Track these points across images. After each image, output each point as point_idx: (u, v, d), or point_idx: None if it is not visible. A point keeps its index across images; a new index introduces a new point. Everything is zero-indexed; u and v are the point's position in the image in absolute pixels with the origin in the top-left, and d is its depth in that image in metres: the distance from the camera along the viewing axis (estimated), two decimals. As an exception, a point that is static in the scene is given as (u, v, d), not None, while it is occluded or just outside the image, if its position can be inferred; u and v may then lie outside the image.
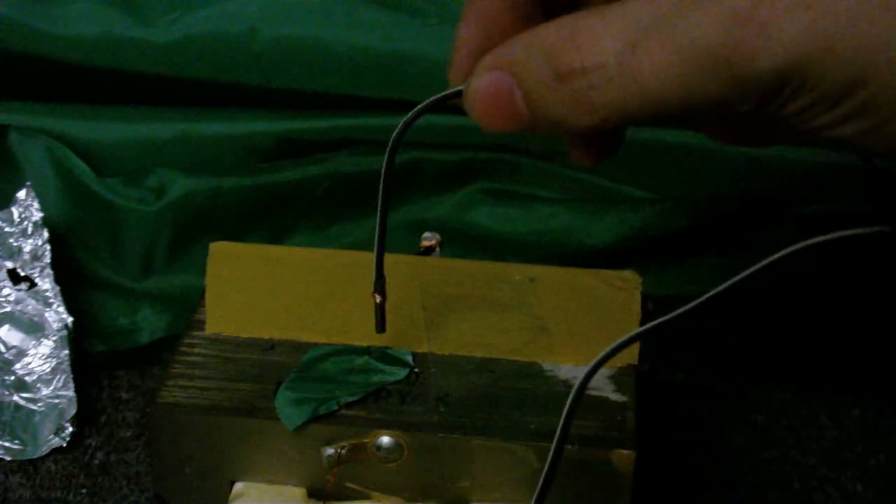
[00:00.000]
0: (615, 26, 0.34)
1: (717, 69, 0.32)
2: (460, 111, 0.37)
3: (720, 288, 0.39)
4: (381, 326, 0.49)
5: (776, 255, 0.38)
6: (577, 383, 0.39)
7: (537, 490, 0.40)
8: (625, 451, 0.46)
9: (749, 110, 0.34)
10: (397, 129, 0.41)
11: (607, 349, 0.39)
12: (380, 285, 0.47)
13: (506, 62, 0.36)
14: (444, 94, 0.39)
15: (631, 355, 0.50)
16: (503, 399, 0.48)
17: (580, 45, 0.34)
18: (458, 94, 0.38)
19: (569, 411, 0.39)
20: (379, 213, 0.44)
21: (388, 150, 0.42)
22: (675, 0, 0.33)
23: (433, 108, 0.40)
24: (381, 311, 0.48)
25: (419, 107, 0.40)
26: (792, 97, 0.33)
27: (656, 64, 0.33)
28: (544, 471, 0.40)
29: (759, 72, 0.32)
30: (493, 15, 0.39)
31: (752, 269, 0.38)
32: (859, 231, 0.38)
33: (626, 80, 0.33)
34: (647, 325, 0.39)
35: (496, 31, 0.39)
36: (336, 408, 0.47)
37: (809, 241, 0.38)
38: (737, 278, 0.39)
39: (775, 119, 0.34)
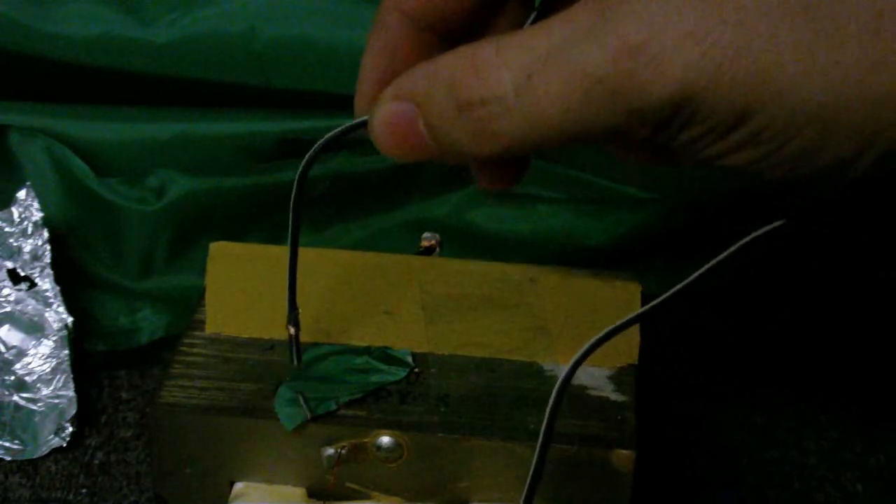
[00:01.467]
0: (512, 57, 0.34)
1: (611, 99, 0.33)
2: (368, 141, 0.38)
3: (692, 277, 0.39)
4: (297, 359, 0.49)
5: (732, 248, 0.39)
6: (560, 378, 0.39)
7: (527, 484, 0.41)
8: (625, 451, 0.46)
9: (645, 137, 0.34)
10: (303, 161, 0.42)
11: (586, 345, 0.39)
12: (293, 317, 0.48)
13: (407, 92, 0.36)
14: (349, 124, 0.40)
15: (631, 355, 0.50)
16: (503, 399, 0.48)
17: (480, 75, 0.35)
18: (364, 124, 0.38)
19: (554, 403, 0.39)
20: (290, 242, 0.45)
21: (295, 181, 0.43)
22: (568, 31, 0.33)
23: (338, 139, 0.40)
24: (295, 343, 0.49)
25: (324, 138, 0.41)
26: (684, 127, 0.33)
27: (552, 94, 0.33)
28: (533, 462, 0.40)
29: (650, 102, 0.33)
30: (396, 44, 0.40)
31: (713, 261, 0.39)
32: (759, 232, 0.39)
33: (525, 110, 0.34)
34: (626, 319, 0.40)
35: (400, 60, 0.39)
36: (334, 407, 0.47)
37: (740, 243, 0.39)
38: (703, 269, 0.39)
39: (671, 146, 0.35)
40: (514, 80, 0.34)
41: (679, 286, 0.40)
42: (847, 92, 0.32)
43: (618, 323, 0.40)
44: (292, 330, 0.48)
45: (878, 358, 0.64)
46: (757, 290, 0.67)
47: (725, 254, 0.39)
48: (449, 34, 0.40)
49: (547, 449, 0.40)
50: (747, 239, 0.39)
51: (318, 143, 0.41)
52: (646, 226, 0.65)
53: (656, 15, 0.32)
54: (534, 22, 0.40)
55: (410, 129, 0.36)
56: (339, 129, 0.40)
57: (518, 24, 0.41)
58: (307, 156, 0.42)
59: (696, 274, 0.40)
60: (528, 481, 0.41)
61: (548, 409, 0.39)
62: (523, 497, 0.41)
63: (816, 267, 0.67)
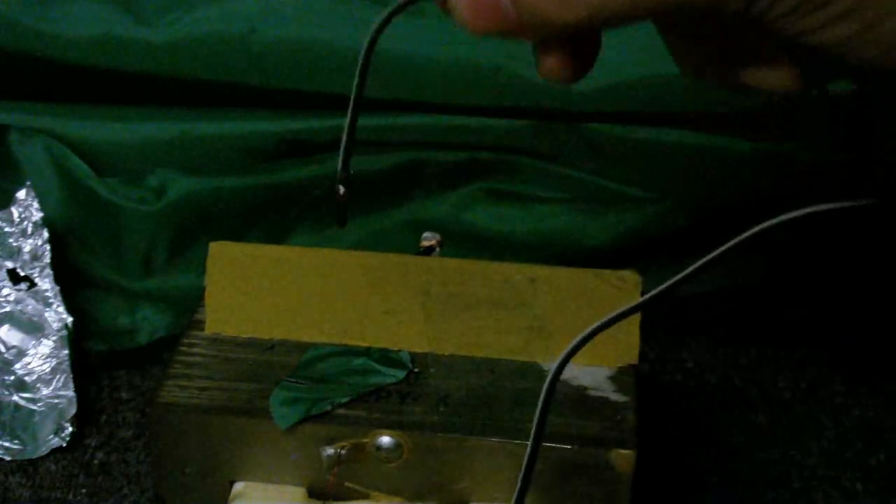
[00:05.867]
0: None
1: None
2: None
3: (689, 270, 0.38)
4: (342, 221, 0.46)
5: (753, 230, 0.38)
6: (550, 372, 0.39)
7: (519, 479, 0.41)
8: (625, 451, 0.46)
9: (738, 9, 0.33)
10: (374, 26, 0.39)
11: (576, 339, 0.38)
12: (344, 177, 0.46)
13: None
14: None
15: (631, 355, 0.50)
16: (503, 399, 0.48)
17: None
18: None
19: (545, 397, 0.39)
20: (351, 105, 0.43)
21: (364, 48, 0.40)
22: None
23: (410, 5, 0.38)
24: (342, 206, 0.46)
25: (396, 5, 0.38)
26: None
27: None
28: (525, 459, 0.40)
29: None
30: None
31: (725, 246, 0.38)
32: (848, 204, 0.38)
33: None
34: (622, 309, 0.39)
35: None
36: (329, 408, 0.47)
37: (793, 214, 0.38)
38: (709, 256, 0.38)
39: (762, 26, 0.33)
40: None
41: (676, 278, 0.39)
42: None
43: (613, 314, 0.39)
44: (342, 190, 0.46)
45: (878, 358, 0.64)
46: (757, 290, 0.67)
47: (722, 249, 0.39)
48: None
49: (540, 440, 0.40)
50: (747, 234, 0.39)
51: (388, 10, 0.38)
52: (646, 226, 0.65)
53: None
54: None
55: None
56: None
57: None
58: (375, 24, 0.39)
59: (692, 267, 0.39)
60: (520, 475, 0.41)
61: (542, 393, 0.39)
62: (515, 494, 0.41)
63: (816, 267, 0.67)
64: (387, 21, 0.39)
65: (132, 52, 0.64)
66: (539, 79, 0.38)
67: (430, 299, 0.51)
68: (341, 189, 0.46)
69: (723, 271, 0.66)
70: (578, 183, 0.66)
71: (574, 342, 0.39)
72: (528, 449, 0.40)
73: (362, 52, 0.40)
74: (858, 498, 0.56)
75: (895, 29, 0.32)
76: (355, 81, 0.42)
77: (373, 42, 0.40)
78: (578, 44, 0.38)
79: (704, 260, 0.39)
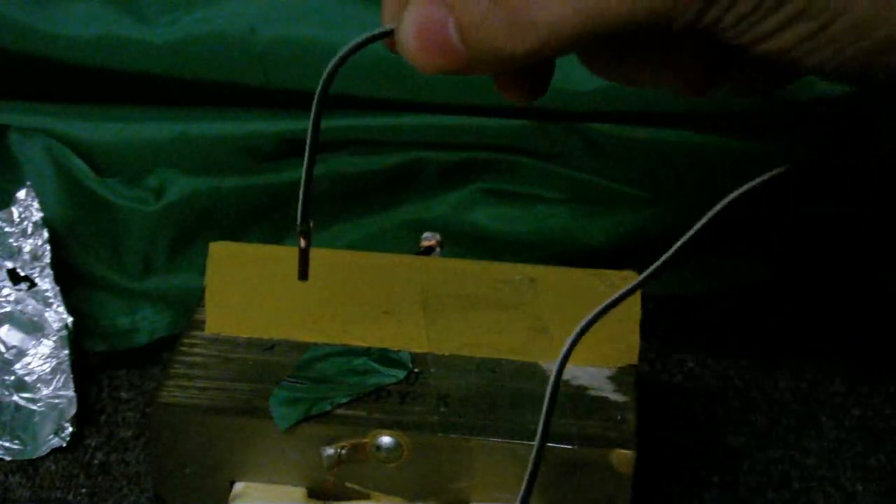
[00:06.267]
0: None
1: None
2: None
3: (671, 251, 0.39)
4: (303, 273, 0.46)
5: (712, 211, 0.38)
6: (555, 368, 0.39)
7: (525, 481, 0.41)
8: (625, 451, 0.46)
9: (690, 20, 0.33)
10: (325, 73, 0.39)
11: (577, 328, 0.39)
12: (305, 229, 0.45)
13: None
14: (374, 32, 0.37)
15: (631, 355, 0.50)
16: (503, 399, 0.48)
17: None
18: (390, 33, 0.36)
19: (551, 395, 0.39)
20: (307, 153, 0.42)
21: (318, 89, 0.40)
22: None
23: (361, 48, 0.38)
24: (304, 257, 0.46)
25: (347, 47, 0.38)
26: (733, 2, 0.32)
27: None
28: (531, 458, 0.40)
29: None
30: None
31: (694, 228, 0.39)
32: (764, 177, 0.38)
33: None
34: (615, 295, 0.39)
35: None
36: (329, 408, 0.47)
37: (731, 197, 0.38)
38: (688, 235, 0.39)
39: (713, 36, 0.33)
40: None
41: (669, 253, 0.39)
42: None
43: (607, 301, 0.39)
44: (303, 243, 0.45)
45: (879, 358, 0.64)
46: (757, 290, 0.67)
47: (713, 212, 0.39)
48: None
49: (545, 440, 0.40)
50: (720, 205, 0.39)
51: (340, 52, 0.38)
52: (646, 226, 0.65)
53: None
54: None
55: (441, 34, 0.34)
56: (364, 37, 0.37)
57: None
58: (331, 64, 0.39)
59: (684, 238, 0.39)
60: (525, 476, 0.41)
61: (548, 390, 0.39)
62: (520, 496, 0.41)
63: (816, 267, 0.67)
64: (339, 65, 0.39)
65: (132, 52, 0.64)
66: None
67: (430, 299, 0.51)
68: (302, 242, 0.45)
69: (724, 271, 0.66)
70: (578, 183, 0.66)
71: (572, 336, 0.39)
72: (534, 450, 0.40)
73: (316, 98, 0.40)
74: (858, 498, 0.56)
75: (847, 28, 0.32)
76: (309, 128, 0.41)
77: (325, 88, 0.40)
78: (532, 70, 0.38)
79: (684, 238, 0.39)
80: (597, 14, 0.33)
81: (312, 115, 0.41)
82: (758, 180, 0.38)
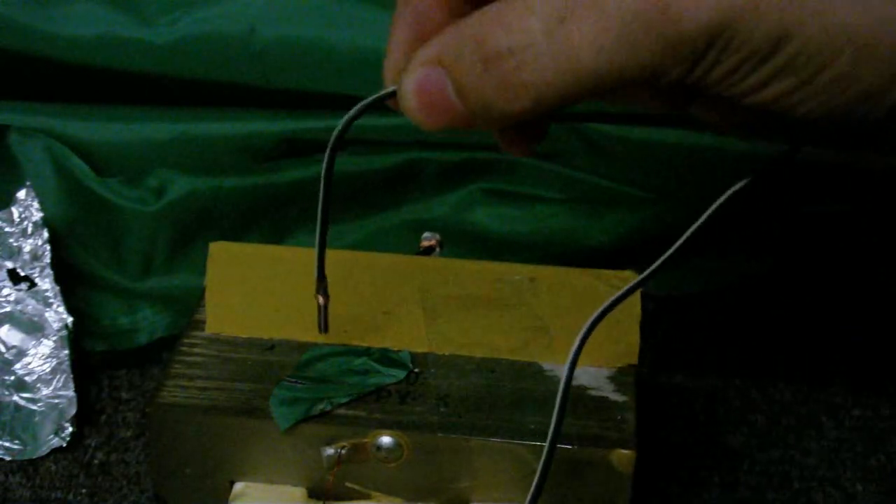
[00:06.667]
0: (541, 4, 0.34)
1: (646, 34, 0.32)
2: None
3: (671, 251, 0.39)
4: (324, 327, 0.49)
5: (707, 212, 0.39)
6: (565, 372, 0.39)
7: (534, 483, 0.41)
8: (625, 451, 0.46)
9: (679, 76, 0.34)
10: (334, 135, 0.41)
11: (583, 329, 0.39)
12: (322, 287, 0.48)
13: (435, 56, 0.36)
14: (378, 95, 0.39)
15: (631, 355, 0.50)
16: (503, 399, 0.48)
17: (507, 27, 0.34)
18: (393, 94, 0.38)
19: (562, 398, 0.39)
20: (319, 218, 0.44)
21: (327, 152, 0.42)
22: None
23: (368, 110, 0.39)
24: (324, 312, 0.49)
25: (354, 109, 0.40)
26: (719, 58, 0.33)
27: (586, 35, 0.33)
28: (540, 463, 0.40)
29: (687, 32, 0.32)
30: (425, 12, 0.39)
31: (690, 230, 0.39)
32: (729, 192, 0.39)
33: (557, 55, 0.33)
34: (617, 294, 0.40)
35: (427, 28, 0.38)
36: (329, 408, 0.47)
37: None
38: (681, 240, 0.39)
39: (702, 89, 0.34)
40: (545, 26, 0.33)
41: (665, 255, 0.40)
42: (885, 13, 0.31)
43: (610, 300, 0.40)
44: (321, 300, 0.48)
45: (879, 358, 0.64)
46: (756, 291, 0.67)
47: (700, 221, 0.39)
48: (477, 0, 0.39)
49: (556, 442, 0.40)
50: (721, 200, 0.39)
51: (349, 114, 0.40)
52: (646, 226, 0.65)
53: None
54: None
55: (440, 94, 0.36)
56: (369, 99, 0.39)
57: None
58: (338, 127, 0.40)
59: (680, 241, 0.40)
60: (535, 479, 0.41)
61: (560, 391, 0.39)
62: (529, 496, 0.41)
63: (816, 267, 0.67)
64: (345, 128, 0.40)
65: (132, 52, 0.64)
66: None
67: (430, 299, 0.51)
68: (321, 299, 0.48)
69: (724, 271, 0.66)
70: (578, 183, 0.66)
71: (579, 337, 0.39)
72: (545, 451, 0.41)
73: (325, 159, 0.42)
74: (858, 498, 0.56)
75: (834, 78, 0.33)
76: (321, 188, 0.43)
77: (334, 149, 0.41)
78: (529, 123, 0.39)
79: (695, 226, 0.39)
80: (588, 74, 0.33)
81: (323, 176, 0.42)
82: (736, 187, 0.39)
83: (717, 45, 0.33)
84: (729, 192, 0.39)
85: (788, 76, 0.33)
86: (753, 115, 0.36)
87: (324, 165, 0.42)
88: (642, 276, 0.41)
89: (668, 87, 0.35)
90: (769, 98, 0.34)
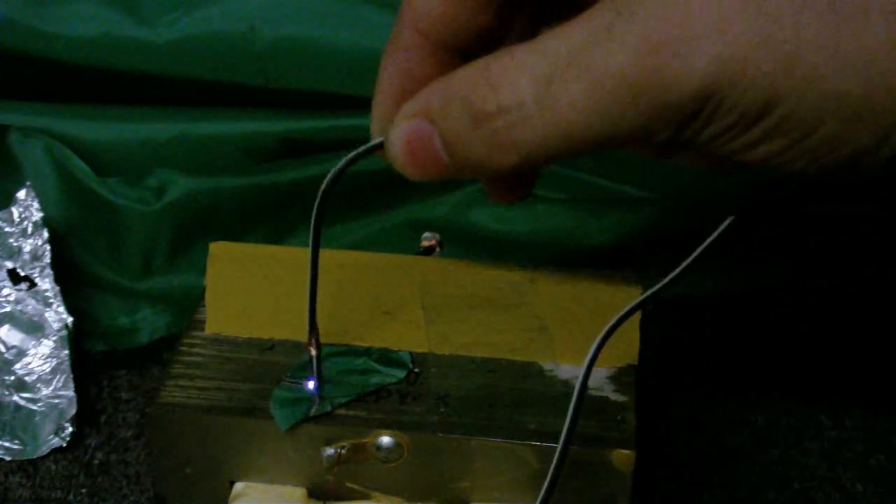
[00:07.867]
0: (530, 63, 0.34)
1: (635, 99, 0.32)
2: (387, 163, 0.38)
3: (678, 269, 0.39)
4: (319, 377, 0.48)
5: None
6: (578, 380, 0.39)
7: (544, 487, 0.41)
8: (625, 451, 0.46)
9: (668, 137, 0.34)
10: (323, 186, 0.41)
11: (598, 340, 0.39)
12: (314, 336, 0.47)
13: (422, 109, 0.36)
14: (366, 146, 0.39)
15: (631, 355, 0.50)
16: (503, 399, 0.48)
17: (495, 86, 0.34)
18: (381, 145, 0.38)
19: (575, 406, 0.39)
20: (311, 262, 0.44)
21: (316, 203, 0.42)
22: (587, 31, 0.33)
23: (356, 161, 0.40)
24: (317, 363, 0.48)
25: (343, 161, 0.40)
26: (708, 121, 0.33)
27: (574, 98, 0.33)
28: (551, 469, 0.40)
29: (676, 97, 0.32)
30: (411, 64, 0.39)
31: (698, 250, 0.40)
32: (715, 234, 0.39)
33: (545, 116, 0.33)
34: (628, 308, 0.40)
35: (416, 79, 0.39)
36: (329, 409, 0.47)
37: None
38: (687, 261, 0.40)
39: (693, 144, 0.34)
40: (534, 86, 0.33)
41: (674, 273, 0.40)
42: (872, 78, 0.31)
43: (622, 312, 0.40)
44: (313, 351, 0.48)
45: (879, 358, 0.64)
46: (756, 291, 0.67)
47: (692, 256, 0.40)
48: (466, 51, 0.39)
49: (569, 444, 0.40)
50: (708, 241, 0.40)
51: (337, 166, 0.40)
52: (646, 226, 0.65)
53: (676, 9, 0.32)
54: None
55: (427, 147, 0.36)
56: (357, 151, 0.39)
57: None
58: (326, 179, 0.41)
59: (684, 263, 0.40)
60: (546, 483, 0.41)
61: (569, 412, 0.39)
62: (540, 497, 0.41)
63: (817, 266, 0.67)
64: (334, 181, 0.41)
65: (132, 52, 0.64)
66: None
67: (430, 299, 0.51)
68: (312, 350, 0.48)
69: (724, 271, 0.66)
70: (578, 183, 0.66)
71: (596, 342, 0.39)
72: (557, 453, 0.41)
73: (315, 208, 0.42)
74: (858, 498, 0.56)
75: (817, 142, 0.33)
76: (310, 246, 0.43)
77: (322, 202, 0.42)
78: (517, 175, 0.39)
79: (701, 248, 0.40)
80: (576, 135, 0.34)
81: (312, 232, 0.43)
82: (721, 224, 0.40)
83: (707, 110, 0.33)
84: (727, 221, 0.40)
85: (777, 138, 0.33)
86: (745, 166, 0.36)
87: (313, 215, 0.42)
88: (649, 291, 0.41)
89: (656, 143, 0.35)
90: (759, 157, 0.34)
